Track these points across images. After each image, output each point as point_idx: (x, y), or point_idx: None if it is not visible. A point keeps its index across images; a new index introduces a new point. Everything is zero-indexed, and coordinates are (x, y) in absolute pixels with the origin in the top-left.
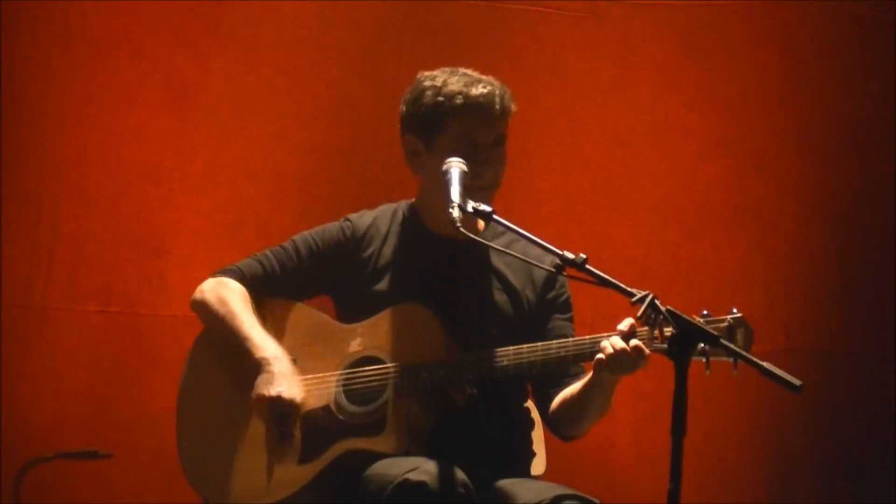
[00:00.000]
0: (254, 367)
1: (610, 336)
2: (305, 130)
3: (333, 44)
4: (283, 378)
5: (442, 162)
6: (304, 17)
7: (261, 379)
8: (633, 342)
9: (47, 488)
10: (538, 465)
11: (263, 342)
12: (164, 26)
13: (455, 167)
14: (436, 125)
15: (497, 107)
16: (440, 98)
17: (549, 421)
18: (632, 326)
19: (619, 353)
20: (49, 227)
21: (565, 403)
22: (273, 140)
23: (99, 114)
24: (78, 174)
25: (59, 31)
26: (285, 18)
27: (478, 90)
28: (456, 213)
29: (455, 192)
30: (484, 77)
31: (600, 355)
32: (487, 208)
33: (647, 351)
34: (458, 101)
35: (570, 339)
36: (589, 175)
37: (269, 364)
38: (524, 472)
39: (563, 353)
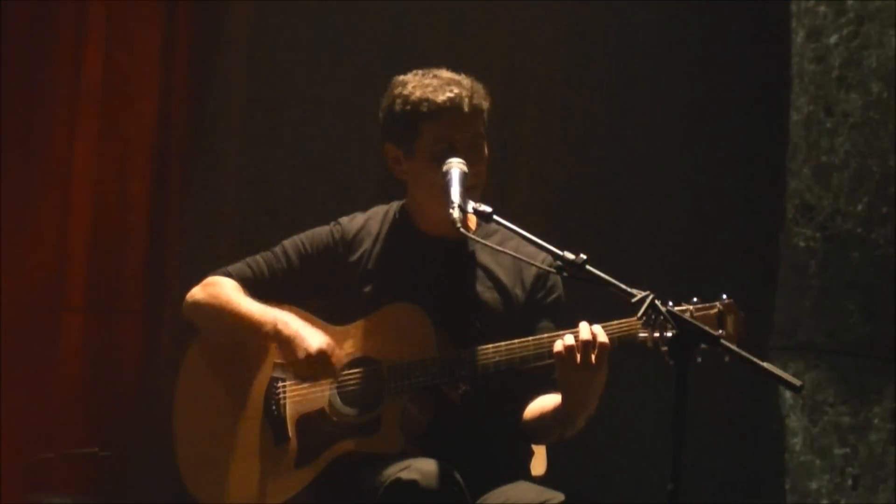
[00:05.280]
0: (264, 340)
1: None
2: (306, 130)
3: (332, 42)
4: (303, 333)
5: (422, 166)
6: (305, 16)
7: (285, 350)
8: (582, 337)
9: (47, 488)
10: (538, 465)
11: (263, 314)
12: (164, 26)
13: (455, 167)
14: (410, 133)
15: (466, 108)
16: (408, 107)
17: (521, 426)
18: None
19: (568, 348)
20: (50, 227)
21: (535, 410)
22: (273, 140)
23: (100, 112)
24: (78, 174)
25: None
26: (285, 18)
27: (444, 95)
28: (456, 213)
29: (455, 193)
30: (454, 77)
31: (558, 348)
32: (488, 208)
33: (601, 340)
34: (424, 107)
35: (563, 331)
36: (589, 173)
37: (280, 331)
38: (523, 470)
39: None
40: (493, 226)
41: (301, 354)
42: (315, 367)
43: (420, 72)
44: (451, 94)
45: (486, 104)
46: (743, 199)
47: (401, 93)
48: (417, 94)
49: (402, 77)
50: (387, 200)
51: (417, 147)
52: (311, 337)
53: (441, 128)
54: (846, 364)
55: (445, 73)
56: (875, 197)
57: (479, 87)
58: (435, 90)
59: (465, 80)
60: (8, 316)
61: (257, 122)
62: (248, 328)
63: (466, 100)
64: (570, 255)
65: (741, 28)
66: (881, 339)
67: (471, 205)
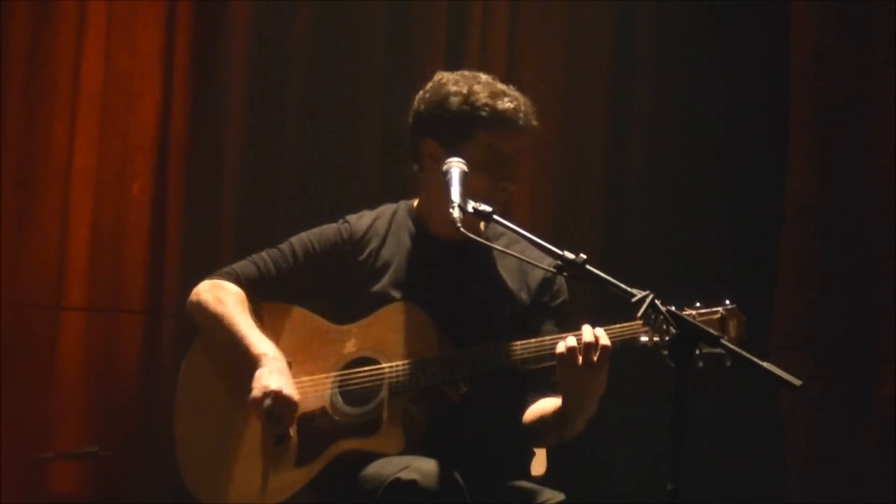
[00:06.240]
0: (249, 366)
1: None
2: (306, 130)
3: (332, 42)
4: (281, 375)
5: None
6: (305, 16)
7: (259, 374)
8: (585, 340)
9: (47, 488)
10: (538, 466)
11: (259, 342)
12: (164, 26)
13: (455, 167)
14: (462, 134)
15: (522, 122)
16: (466, 107)
17: (520, 428)
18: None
19: (570, 350)
20: (50, 227)
21: (535, 412)
22: (273, 140)
23: (100, 112)
24: (78, 174)
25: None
26: (285, 18)
27: (504, 104)
28: (456, 213)
29: (455, 193)
30: (508, 89)
31: (560, 349)
32: (487, 208)
33: (602, 343)
34: (485, 112)
35: (564, 333)
36: (588, 173)
37: (266, 362)
38: (523, 471)
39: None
40: (501, 228)
41: (257, 392)
42: (260, 404)
43: (468, 74)
44: (511, 105)
45: (535, 123)
46: (743, 199)
47: (459, 91)
48: (478, 96)
49: (449, 75)
50: (387, 200)
51: (464, 151)
52: (280, 382)
53: (496, 138)
54: (846, 364)
55: (496, 81)
56: (875, 197)
57: (530, 104)
58: (494, 96)
59: (518, 93)
60: (8, 316)
61: (257, 122)
62: (236, 350)
63: (523, 115)
64: (569, 255)
65: (741, 27)
66: (881, 340)
67: (471, 204)
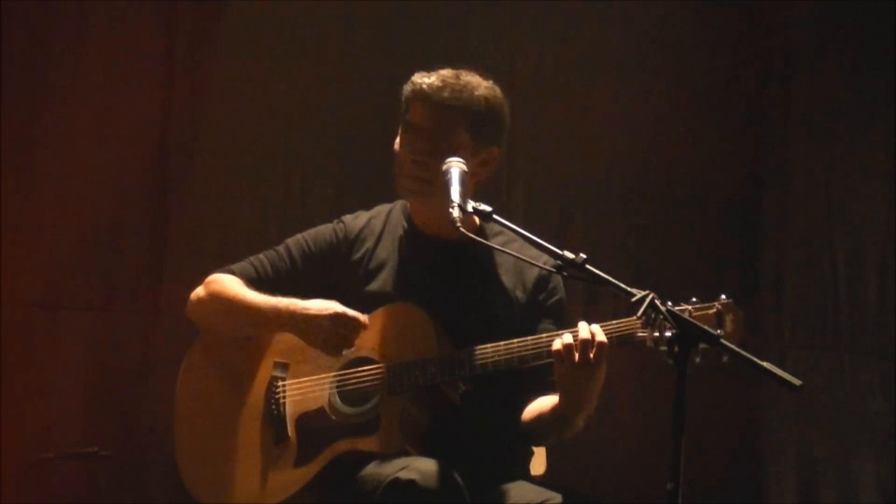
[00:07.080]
0: (279, 330)
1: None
2: (307, 129)
3: (332, 42)
4: (315, 309)
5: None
6: (305, 16)
7: (305, 331)
8: (581, 337)
9: (47, 488)
10: (538, 465)
11: (273, 304)
12: (164, 26)
13: (455, 167)
14: (400, 116)
15: (434, 97)
16: (402, 89)
17: (520, 427)
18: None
19: (566, 347)
20: (50, 226)
21: (534, 411)
22: (274, 139)
23: (101, 112)
24: (78, 174)
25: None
26: (286, 18)
27: (419, 79)
28: (456, 212)
29: (455, 192)
30: (455, 73)
31: (557, 346)
32: (487, 208)
33: (596, 341)
34: (407, 87)
35: (561, 331)
36: (589, 173)
37: (294, 313)
38: (523, 471)
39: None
40: (497, 227)
41: (325, 329)
42: (345, 327)
43: (449, 68)
44: (429, 80)
45: (464, 105)
46: (742, 199)
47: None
48: (413, 77)
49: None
50: (387, 200)
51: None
52: (323, 307)
53: (410, 112)
54: (845, 362)
55: (457, 72)
56: (875, 197)
57: (469, 90)
58: (421, 76)
59: (462, 79)
60: (8, 316)
61: (258, 122)
62: (259, 321)
63: (437, 92)
64: (569, 255)
65: (741, 27)
66: (881, 338)
67: (471, 204)
